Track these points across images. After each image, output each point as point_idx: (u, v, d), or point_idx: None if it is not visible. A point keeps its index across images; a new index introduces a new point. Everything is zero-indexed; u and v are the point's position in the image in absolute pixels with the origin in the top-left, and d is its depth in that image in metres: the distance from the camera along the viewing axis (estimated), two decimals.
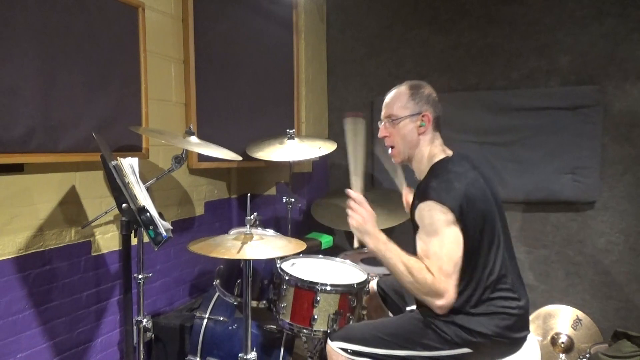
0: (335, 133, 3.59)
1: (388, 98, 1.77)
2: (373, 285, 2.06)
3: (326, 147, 2.66)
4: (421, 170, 1.73)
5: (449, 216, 1.51)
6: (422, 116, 1.69)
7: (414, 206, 1.64)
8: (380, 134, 1.77)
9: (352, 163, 1.76)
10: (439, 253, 1.50)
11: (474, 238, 1.55)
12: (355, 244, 1.75)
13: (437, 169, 1.66)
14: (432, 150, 1.71)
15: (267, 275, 2.04)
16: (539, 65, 3.04)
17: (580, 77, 2.96)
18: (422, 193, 1.59)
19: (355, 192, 1.68)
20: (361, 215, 1.62)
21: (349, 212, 1.64)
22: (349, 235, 1.97)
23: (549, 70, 3.03)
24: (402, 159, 1.77)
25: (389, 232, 2.12)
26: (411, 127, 1.70)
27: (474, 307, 1.57)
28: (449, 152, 1.73)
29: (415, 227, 1.65)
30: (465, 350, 1.57)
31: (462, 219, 1.52)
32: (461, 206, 1.52)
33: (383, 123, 1.77)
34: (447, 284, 1.48)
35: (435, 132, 1.73)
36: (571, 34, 2.97)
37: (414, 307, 1.76)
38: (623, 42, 2.86)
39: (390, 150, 1.78)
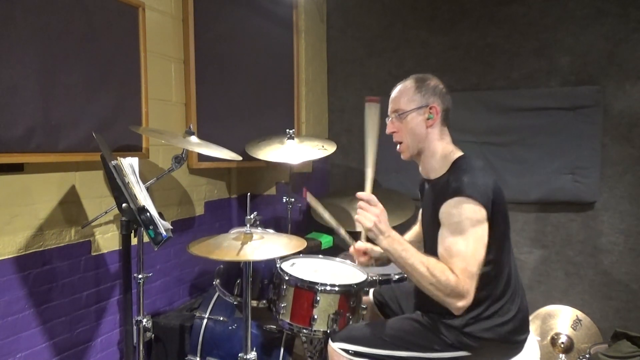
0: (335, 133, 3.59)
1: (394, 93, 1.72)
2: (369, 297, 2.01)
3: (327, 147, 2.66)
4: (433, 166, 1.67)
5: (480, 214, 1.45)
6: (430, 108, 1.63)
7: (436, 203, 1.57)
8: (388, 130, 1.72)
9: (369, 153, 1.69)
10: (464, 253, 1.43)
11: (498, 237, 1.50)
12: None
13: (462, 165, 1.58)
14: (445, 147, 1.65)
15: (266, 275, 2.04)
16: (539, 65, 3.04)
17: (580, 77, 2.96)
18: (452, 189, 1.51)
19: (366, 192, 1.62)
20: (374, 214, 1.52)
21: (360, 211, 1.55)
22: (349, 235, 1.94)
23: (549, 70, 3.03)
24: (411, 154, 1.71)
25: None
26: (419, 120, 1.64)
27: (484, 312, 1.54)
28: (460, 151, 1.68)
29: (429, 227, 1.62)
30: (466, 353, 1.56)
31: (492, 217, 1.48)
32: (493, 202, 1.48)
33: (390, 119, 1.72)
34: (470, 286, 1.42)
35: (443, 126, 1.66)
36: (571, 34, 2.96)
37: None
38: (623, 42, 2.86)
39: (398, 147, 1.72)
